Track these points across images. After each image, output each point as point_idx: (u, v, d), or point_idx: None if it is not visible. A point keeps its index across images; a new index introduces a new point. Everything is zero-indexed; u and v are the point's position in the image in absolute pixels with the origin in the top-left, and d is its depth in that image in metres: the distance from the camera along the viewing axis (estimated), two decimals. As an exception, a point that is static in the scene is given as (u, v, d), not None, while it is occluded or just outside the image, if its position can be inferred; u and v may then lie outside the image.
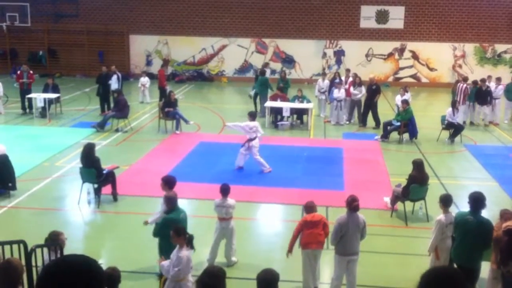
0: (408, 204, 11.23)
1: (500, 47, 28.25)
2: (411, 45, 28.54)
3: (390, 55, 28.79)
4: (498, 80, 20.72)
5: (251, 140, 13.72)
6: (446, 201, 8.31)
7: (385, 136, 17.33)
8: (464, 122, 18.91)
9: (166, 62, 29.57)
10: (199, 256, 8.98)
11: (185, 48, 29.45)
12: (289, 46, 29.01)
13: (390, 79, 28.71)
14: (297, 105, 19.17)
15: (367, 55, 28.76)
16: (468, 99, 19.53)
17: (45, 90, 19.96)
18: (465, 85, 19.73)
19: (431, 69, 28.85)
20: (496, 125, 19.88)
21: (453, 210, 8.98)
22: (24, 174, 13.28)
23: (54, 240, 7.14)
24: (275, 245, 10.06)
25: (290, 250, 8.33)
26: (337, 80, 20.28)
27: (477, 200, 7.72)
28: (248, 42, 29.21)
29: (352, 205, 7.84)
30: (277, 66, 28.88)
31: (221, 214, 9.06)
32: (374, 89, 19.10)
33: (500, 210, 8.19)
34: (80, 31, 29.52)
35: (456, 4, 27.85)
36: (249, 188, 12.60)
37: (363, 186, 12.69)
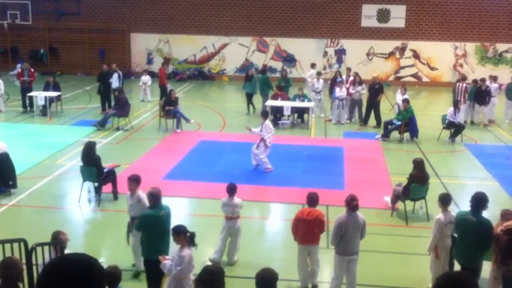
0: (409, 204, 11.23)
1: (501, 47, 28.22)
2: (412, 44, 28.52)
3: (391, 54, 28.78)
4: (494, 78, 20.68)
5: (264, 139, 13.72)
6: (445, 200, 8.32)
7: (386, 135, 17.32)
8: (465, 122, 18.89)
9: (167, 61, 29.56)
10: (200, 255, 8.99)
11: (186, 47, 29.45)
12: (290, 44, 29.00)
13: (391, 78, 28.68)
14: (297, 104, 19.17)
15: (368, 54, 28.75)
16: (468, 98, 19.51)
17: (46, 88, 19.96)
18: (464, 84, 19.72)
19: (432, 68, 28.83)
20: (492, 122, 19.83)
21: (453, 210, 8.99)
22: (25, 172, 13.28)
23: (56, 240, 7.15)
24: (276, 243, 10.08)
25: (295, 239, 8.49)
26: (339, 79, 20.25)
27: (479, 200, 7.72)
28: (249, 41, 29.20)
29: (351, 204, 7.84)
30: (278, 65, 28.88)
31: (228, 213, 9.11)
32: (377, 89, 19.07)
33: (501, 210, 8.18)
34: (81, 29, 29.53)
35: (457, 3, 27.82)
36: (250, 187, 12.59)
37: (363, 185, 12.69)
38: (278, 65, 28.86)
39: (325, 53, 28.97)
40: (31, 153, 14.81)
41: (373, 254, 9.46)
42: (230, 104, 23.10)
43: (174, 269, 7.04)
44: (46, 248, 7.00)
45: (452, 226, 8.13)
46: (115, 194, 11.83)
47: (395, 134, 17.37)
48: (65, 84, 24.40)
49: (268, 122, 14.05)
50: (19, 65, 21.19)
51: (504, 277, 7.49)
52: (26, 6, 28.49)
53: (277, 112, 19.17)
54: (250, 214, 11.24)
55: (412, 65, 28.88)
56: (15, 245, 7.01)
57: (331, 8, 28.39)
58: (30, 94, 19.99)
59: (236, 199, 9.10)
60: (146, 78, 23.08)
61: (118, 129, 17.89)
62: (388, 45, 28.61)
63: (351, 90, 19.52)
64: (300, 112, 19.55)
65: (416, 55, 28.73)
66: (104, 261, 8.34)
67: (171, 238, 7.42)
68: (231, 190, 9.08)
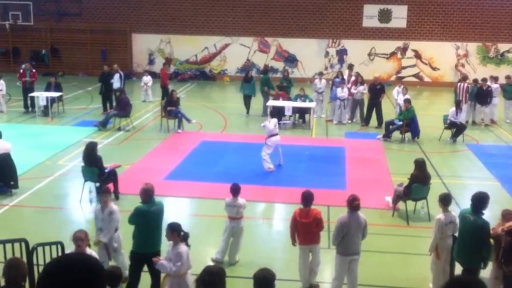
0: (410, 204, 11.24)
1: (503, 47, 28.17)
2: (413, 44, 28.49)
3: (393, 54, 28.75)
4: (495, 79, 20.63)
5: (272, 135, 13.71)
6: (445, 200, 8.31)
7: (387, 136, 17.31)
8: (467, 122, 18.87)
9: (168, 61, 29.56)
10: (202, 255, 8.99)
11: (188, 47, 29.46)
12: (292, 45, 28.99)
13: (393, 78, 28.64)
14: (299, 104, 19.15)
15: (369, 54, 28.73)
16: (469, 98, 19.49)
17: (48, 89, 19.96)
18: (465, 84, 19.69)
19: (433, 69, 28.80)
20: (494, 122, 19.81)
21: (454, 209, 8.98)
22: (26, 172, 13.30)
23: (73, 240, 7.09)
24: (277, 244, 10.08)
25: (293, 243, 8.50)
26: (338, 79, 20.22)
27: (479, 200, 7.71)
28: (251, 41, 29.20)
29: (353, 204, 7.84)
30: (280, 65, 28.87)
31: (232, 214, 9.12)
32: (378, 89, 19.06)
33: (502, 210, 8.17)
34: (82, 30, 29.56)
35: (459, 3, 27.79)
36: (251, 187, 12.56)
37: (365, 186, 12.69)
38: (279, 65, 28.85)
39: (327, 53, 28.96)
40: (32, 154, 14.83)
41: (375, 254, 9.45)
42: (231, 104, 23.09)
43: (174, 266, 7.08)
44: (47, 248, 7.00)
45: (452, 226, 8.13)
46: (117, 195, 11.81)
47: (396, 134, 17.36)
48: (67, 85, 24.42)
49: (274, 121, 13.97)
50: (23, 66, 21.25)
51: (506, 277, 7.48)
52: (27, 7, 28.55)
53: (279, 112, 19.12)
54: (252, 214, 11.23)
55: (414, 65, 28.84)
56: (16, 245, 7.03)
57: (333, 8, 28.38)
58: (32, 94, 19.99)
59: (240, 200, 9.11)
60: (147, 78, 23.09)
61: (119, 129, 17.90)
62: (389, 45, 28.59)
63: (353, 90, 19.49)
64: (302, 112, 19.54)
65: (417, 55, 28.70)
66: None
67: (163, 234, 7.51)
68: (235, 191, 9.09)
